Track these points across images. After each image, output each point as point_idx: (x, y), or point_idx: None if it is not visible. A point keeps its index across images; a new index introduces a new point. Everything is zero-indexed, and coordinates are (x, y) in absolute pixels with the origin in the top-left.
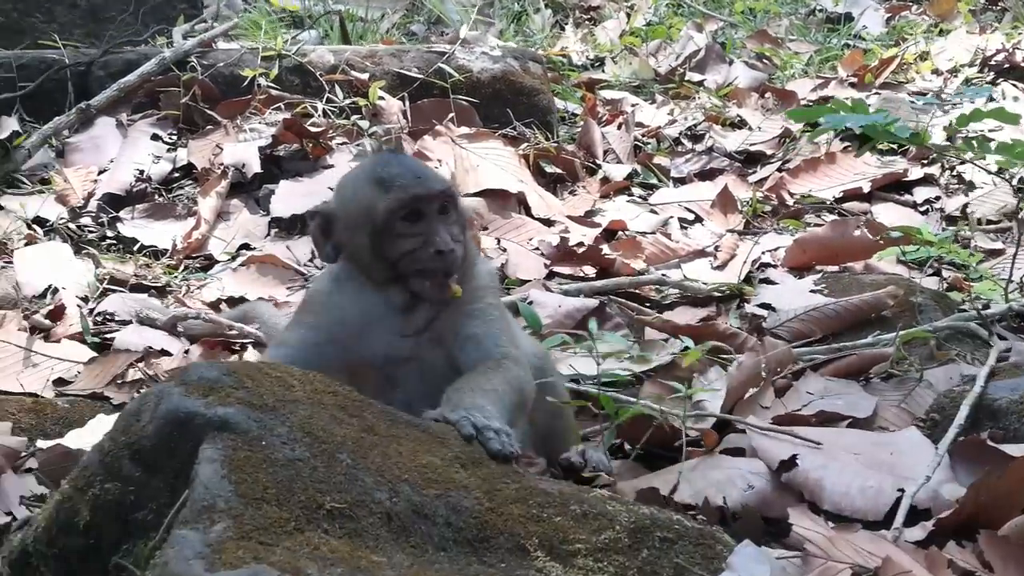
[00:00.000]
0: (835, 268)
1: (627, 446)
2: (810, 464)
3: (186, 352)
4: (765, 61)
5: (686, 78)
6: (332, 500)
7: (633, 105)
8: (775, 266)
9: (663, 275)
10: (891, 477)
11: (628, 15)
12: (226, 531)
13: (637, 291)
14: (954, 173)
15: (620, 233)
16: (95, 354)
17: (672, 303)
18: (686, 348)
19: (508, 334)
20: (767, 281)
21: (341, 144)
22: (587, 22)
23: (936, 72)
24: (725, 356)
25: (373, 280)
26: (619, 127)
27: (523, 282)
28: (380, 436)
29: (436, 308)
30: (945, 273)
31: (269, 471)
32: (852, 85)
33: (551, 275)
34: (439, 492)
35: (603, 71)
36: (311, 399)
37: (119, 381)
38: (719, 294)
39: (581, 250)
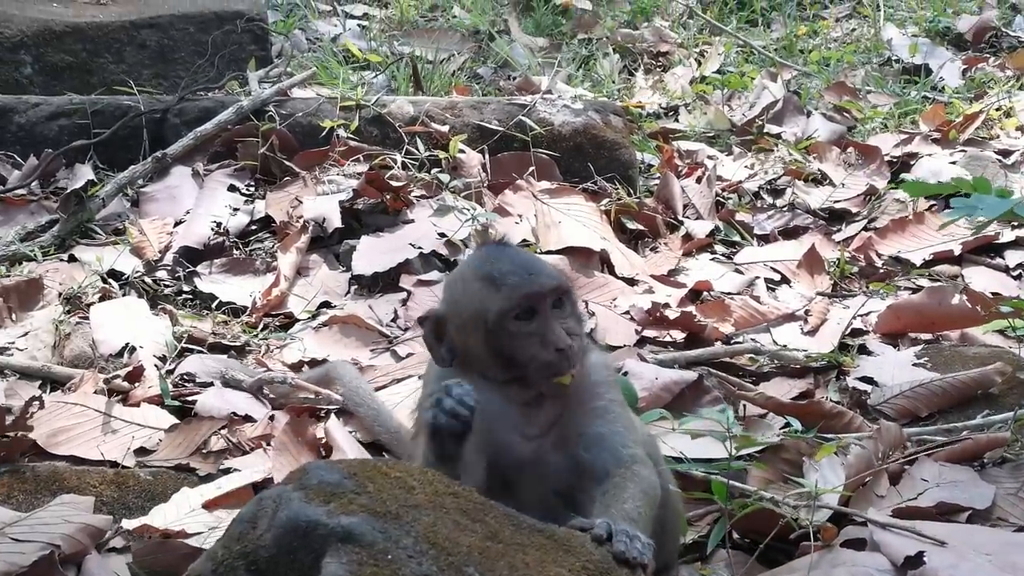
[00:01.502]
0: (928, 336)
1: (735, 534)
2: (939, 563)
3: (271, 418)
4: (844, 114)
5: (764, 130)
6: None
7: (710, 158)
8: (866, 331)
9: (757, 343)
10: None
11: (698, 62)
12: None
13: (730, 360)
14: None
15: (705, 294)
16: (175, 419)
17: (767, 373)
18: (788, 425)
19: (632, 432)
20: (864, 350)
21: (421, 198)
22: (656, 68)
23: (1021, 129)
24: (827, 436)
25: (491, 380)
26: (698, 180)
27: (612, 348)
28: (505, 544)
29: (559, 407)
30: None
31: None
32: (935, 141)
33: (641, 340)
34: None
35: (676, 120)
36: (432, 503)
37: (203, 450)
38: (815, 364)
39: (673, 316)
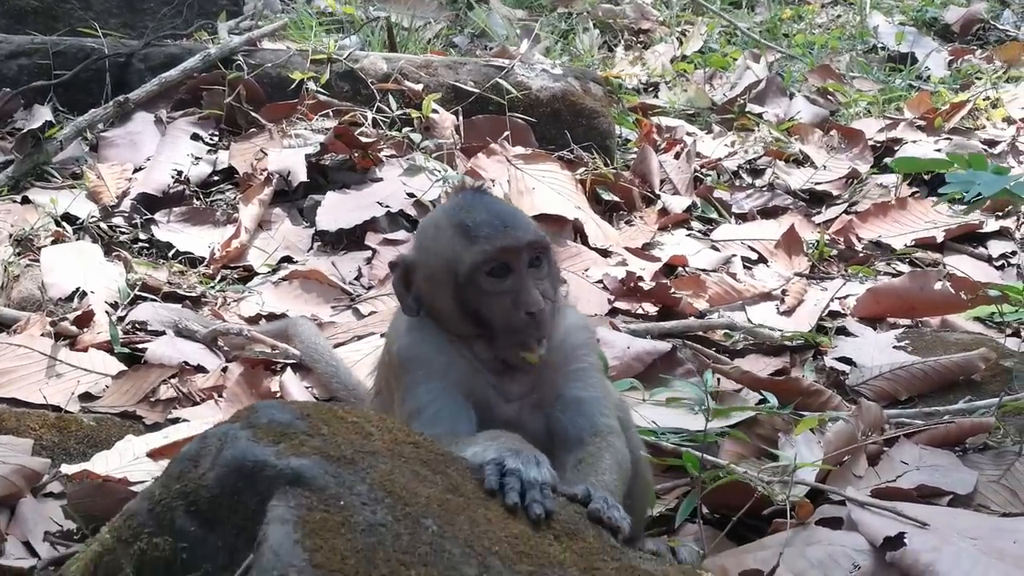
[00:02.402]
0: (907, 322)
1: (705, 508)
2: (920, 545)
3: (224, 370)
4: (828, 97)
5: (746, 109)
6: (418, 575)
7: (690, 134)
8: (844, 315)
9: (732, 320)
10: (1018, 570)
11: (680, 40)
12: None
13: (704, 335)
14: None
15: (680, 269)
16: (124, 367)
17: (742, 350)
18: (764, 401)
19: (609, 398)
20: (843, 331)
21: (391, 157)
22: (637, 45)
23: (1008, 120)
24: (803, 412)
25: (457, 336)
26: (676, 156)
27: None
28: (467, 499)
29: (537, 369)
30: None
31: (348, 537)
32: (921, 128)
33: (613, 312)
34: (532, 569)
35: (656, 96)
36: (391, 450)
37: (151, 398)
38: (791, 343)
39: (648, 287)
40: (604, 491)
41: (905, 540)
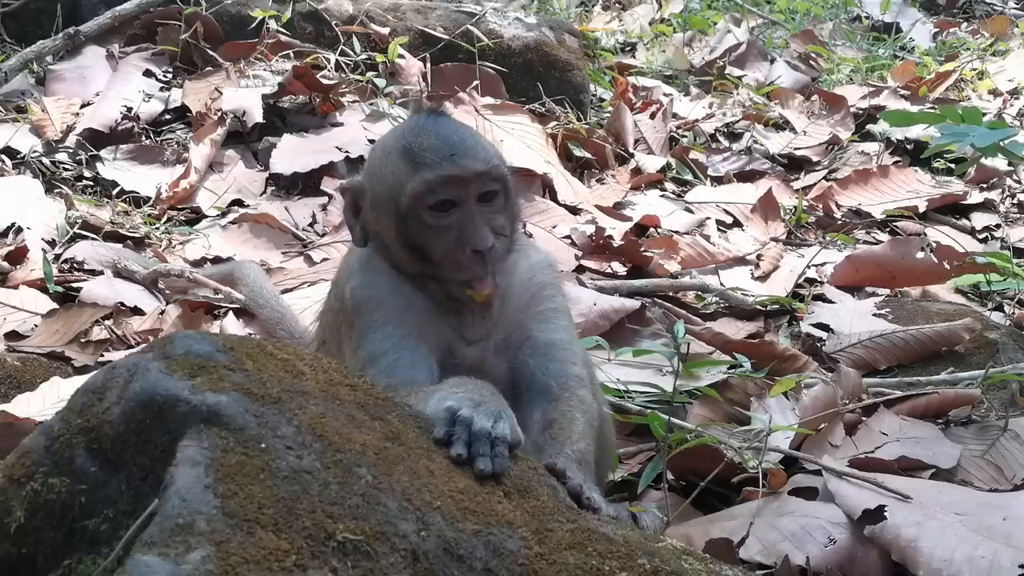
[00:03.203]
0: (886, 291)
1: (669, 475)
2: (901, 519)
3: (161, 313)
4: (811, 63)
5: (725, 72)
6: (346, 529)
7: (667, 95)
8: (820, 282)
9: (704, 282)
10: (1008, 548)
11: (660, 3)
12: (205, 562)
13: (676, 295)
14: (1015, 201)
15: (652, 230)
16: (56, 306)
17: (714, 313)
18: (736, 366)
19: (577, 344)
20: (821, 299)
21: (353, 102)
22: (615, 5)
23: (994, 92)
24: (777, 378)
25: (405, 272)
26: (652, 116)
27: None
28: (408, 448)
29: (499, 308)
30: (1008, 309)
31: (268, 484)
32: (905, 97)
33: (580, 269)
34: (478, 527)
35: (633, 57)
36: (325, 392)
37: (82, 339)
38: (764, 307)
39: (617, 244)
40: (580, 465)
41: (886, 513)
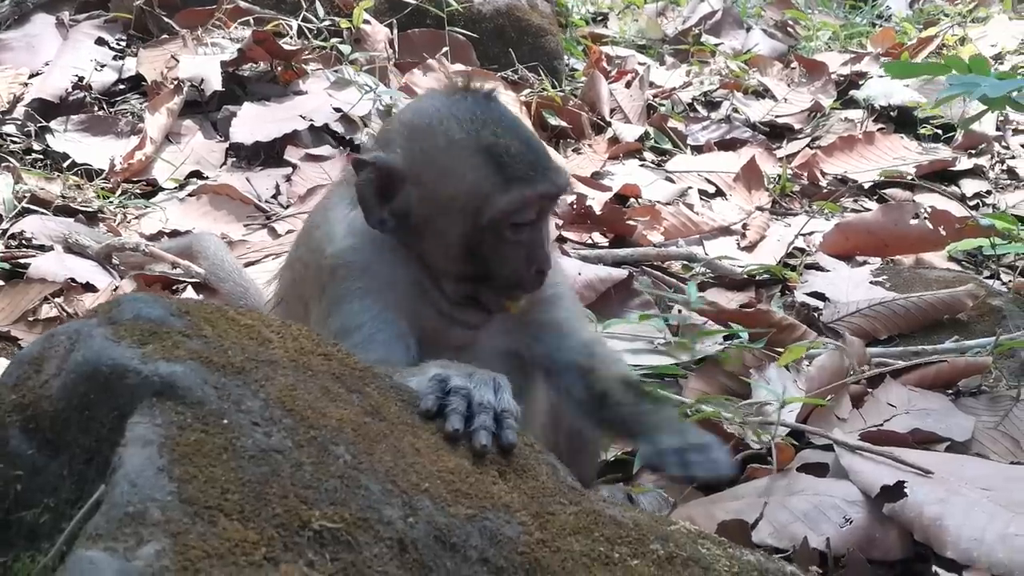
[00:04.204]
0: (878, 260)
1: None
2: (923, 496)
3: (115, 289)
4: (788, 29)
5: (702, 40)
6: (323, 516)
7: (641, 64)
8: (808, 251)
9: (691, 251)
10: None
11: None
12: (160, 557)
13: (661, 265)
14: (1004, 167)
15: (633, 200)
16: (2, 283)
17: (703, 284)
18: (732, 336)
19: (586, 322)
20: (815, 268)
21: (316, 70)
22: None
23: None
24: (777, 348)
25: (432, 268)
26: (627, 85)
27: None
28: (390, 423)
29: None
30: (1005, 276)
31: (232, 466)
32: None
33: (560, 239)
34: (472, 512)
35: (606, 27)
36: (295, 362)
37: (30, 318)
38: (754, 277)
39: (598, 213)
40: (675, 433)
41: (906, 490)
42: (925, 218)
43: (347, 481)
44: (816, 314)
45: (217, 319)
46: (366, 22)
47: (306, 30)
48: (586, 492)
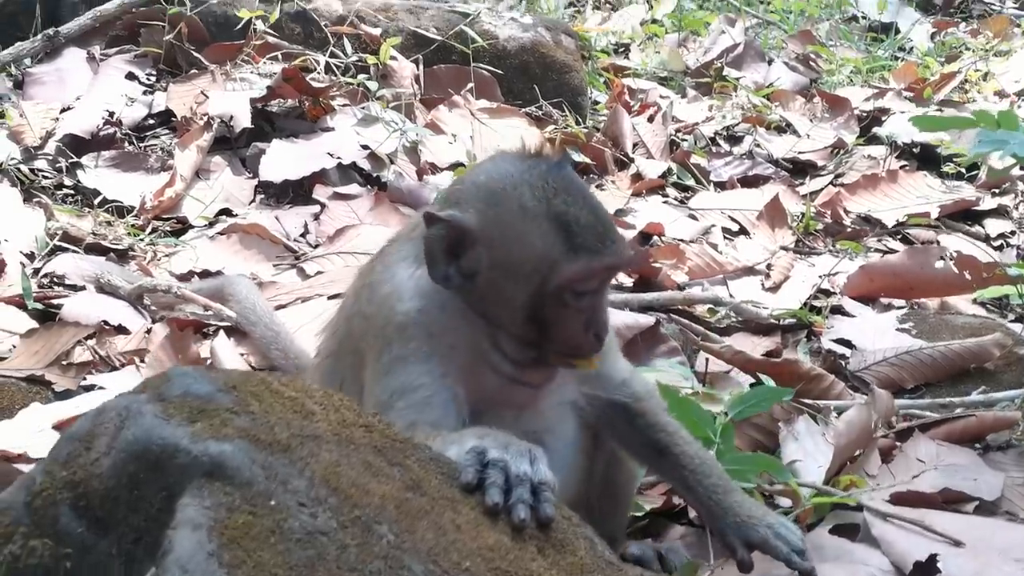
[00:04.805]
0: (902, 303)
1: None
2: (956, 570)
3: (148, 331)
4: (810, 64)
5: (724, 74)
6: None
7: (663, 97)
8: (833, 293)
9: (717, 294)
10: None
11: (650, 3)
12: None
13: (686, 309)
14: None
15: (657, 238)
16: (36, 324)
17: (727, 327)
18: (758, 384)
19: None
20: (838, 312)
21: (344, 105)
22: (605, 5)
23: (1000, 94)
24: (805, 400)
25: (494, 328)
26: (650, 120)
27: None
28: (431, 498)
29: None
30: None
31: (280, 549)
32: (909, 99)
33: None
34: None
35: (627, 58)
36: (338, 435)
37: (64, 361)
38: (780, 321)
39: None
40: (742, 509)
41: (939, 564)
42: (952, 260)
43: (391, 562)
44: (843, 362)
45: (263, 392)
46: (392, 58)
47: (333, 66)
48: (624, 567)
